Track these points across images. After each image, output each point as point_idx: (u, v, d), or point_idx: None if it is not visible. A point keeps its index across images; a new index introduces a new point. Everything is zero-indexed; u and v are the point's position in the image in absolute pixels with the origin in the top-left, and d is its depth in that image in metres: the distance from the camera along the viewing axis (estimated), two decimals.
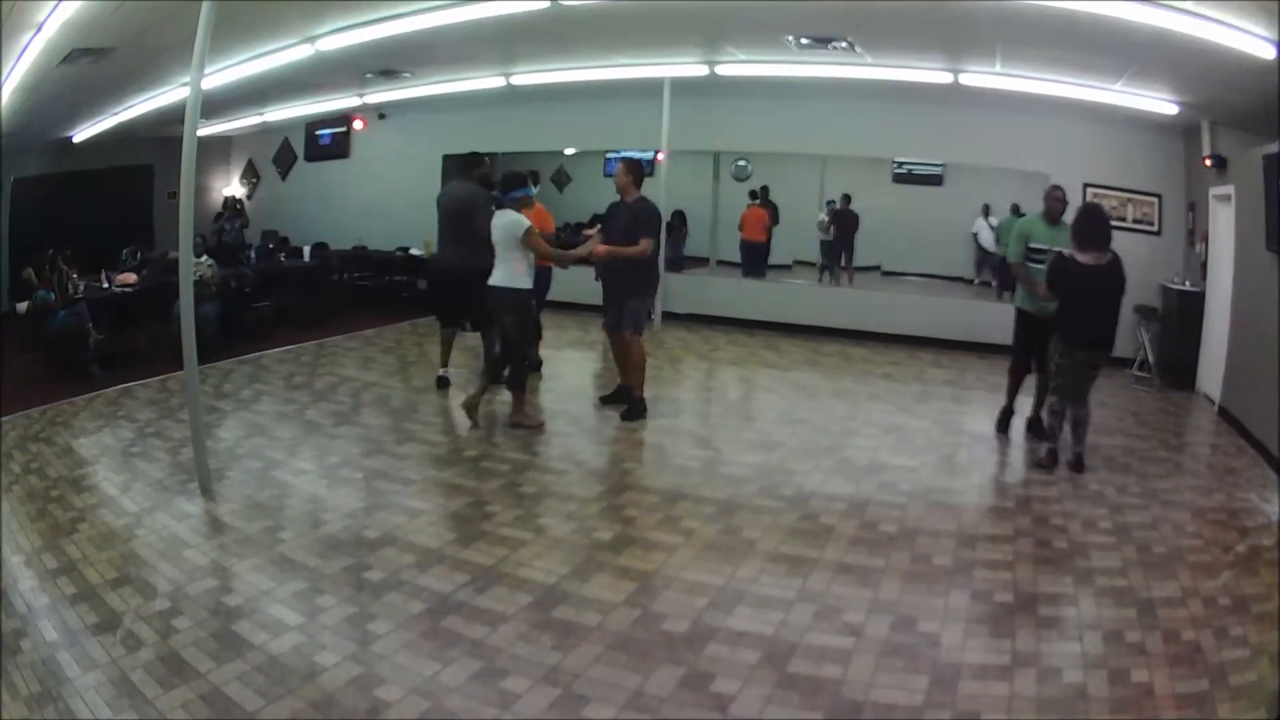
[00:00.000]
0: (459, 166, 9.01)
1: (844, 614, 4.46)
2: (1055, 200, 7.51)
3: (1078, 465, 6.86)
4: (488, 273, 8.11)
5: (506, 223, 7.40)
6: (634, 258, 7.69)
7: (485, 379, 7.83)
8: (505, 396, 7.99)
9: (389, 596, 4.59)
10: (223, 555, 5.11)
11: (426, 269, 9.63)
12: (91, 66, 8.85)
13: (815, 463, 6.96)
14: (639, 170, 8.05)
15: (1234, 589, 4.81)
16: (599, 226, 8.15)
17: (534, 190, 8.85)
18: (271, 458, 6.90)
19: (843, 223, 14.80)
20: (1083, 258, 6.65)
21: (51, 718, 3.51)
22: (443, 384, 9.07)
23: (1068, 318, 6.82)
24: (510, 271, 7.43)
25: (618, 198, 7.84)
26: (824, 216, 14.98)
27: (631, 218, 7.77)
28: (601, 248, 7.70)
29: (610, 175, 9.15)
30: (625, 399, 8.21)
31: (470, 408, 7.68)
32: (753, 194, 15.41)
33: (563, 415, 8.12)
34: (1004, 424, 7.95)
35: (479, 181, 8.86)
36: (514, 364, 7.67)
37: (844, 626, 4.33)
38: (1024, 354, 7.76)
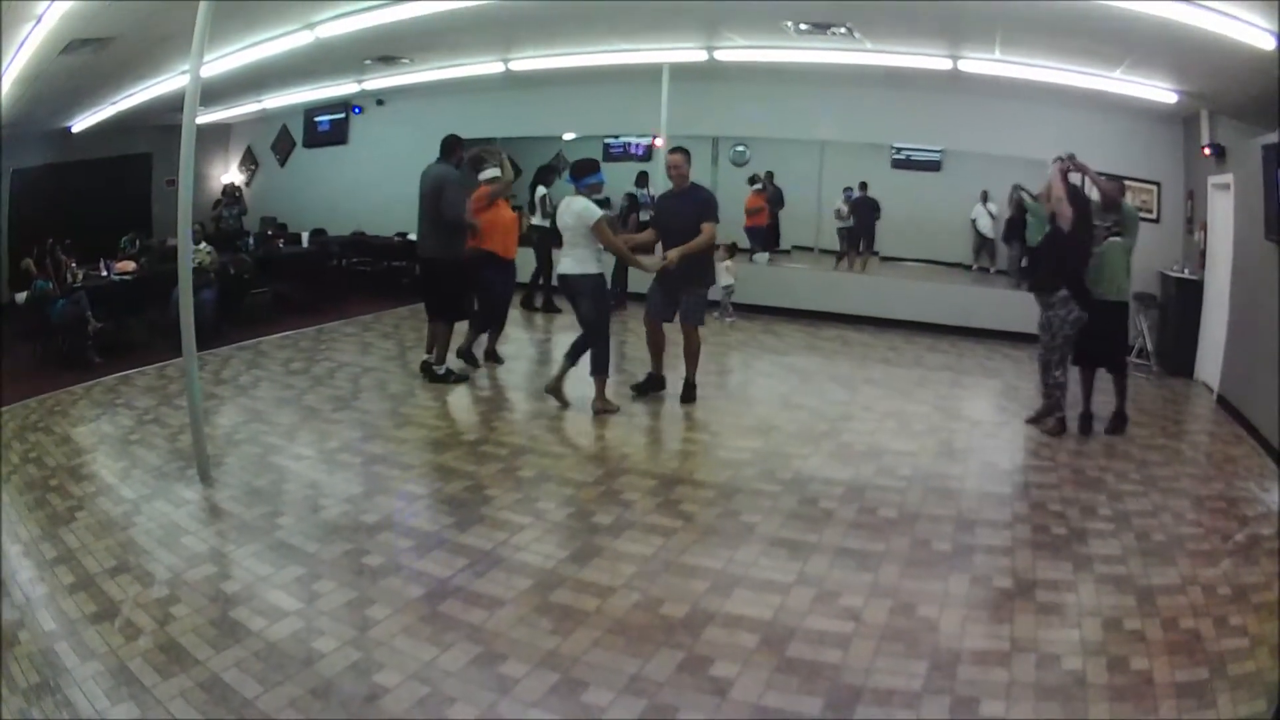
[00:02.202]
0: (441, 151, 8.72)
1: (843, 598, 4.47)
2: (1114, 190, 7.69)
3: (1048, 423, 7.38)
4: (459, 260, 8.38)
5: (578, 210, 7.37)
6: (701, 249, 7.73)
7: (568, 361, 7.77)
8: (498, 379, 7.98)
9: (387, 581, 4.60)
10: (221, 541, 5.11)
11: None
12: (91, 56, 8.83)
13: (814, 447, 6.96)
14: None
15: (1233, 578, 4.81)
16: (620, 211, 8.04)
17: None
18: (270, 443, 6.90)
19: (862, 210, 14.77)
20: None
21: (50, 709, 3.51)
22: (432, 376, 8.79)
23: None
24: (580, 257, 7.44)
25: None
26: (842, 205, 14.97)
27: (693, 206, 7.75)
28: (673, 255, 7.63)
29: (615, 160, 9.08)
30: (657, 387, 8.27)
31: (555, 391, 7.81)
32: (753, 179, 15.35)
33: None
34: (1085, 426, 7.54)
35: (456, 165, 8.65)
36: (596, 348, 7.64)
37: (843, 611, 4.33)
38: (1084, 346, 7.37)
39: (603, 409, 7.68)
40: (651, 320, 8.11)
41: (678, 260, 7.60)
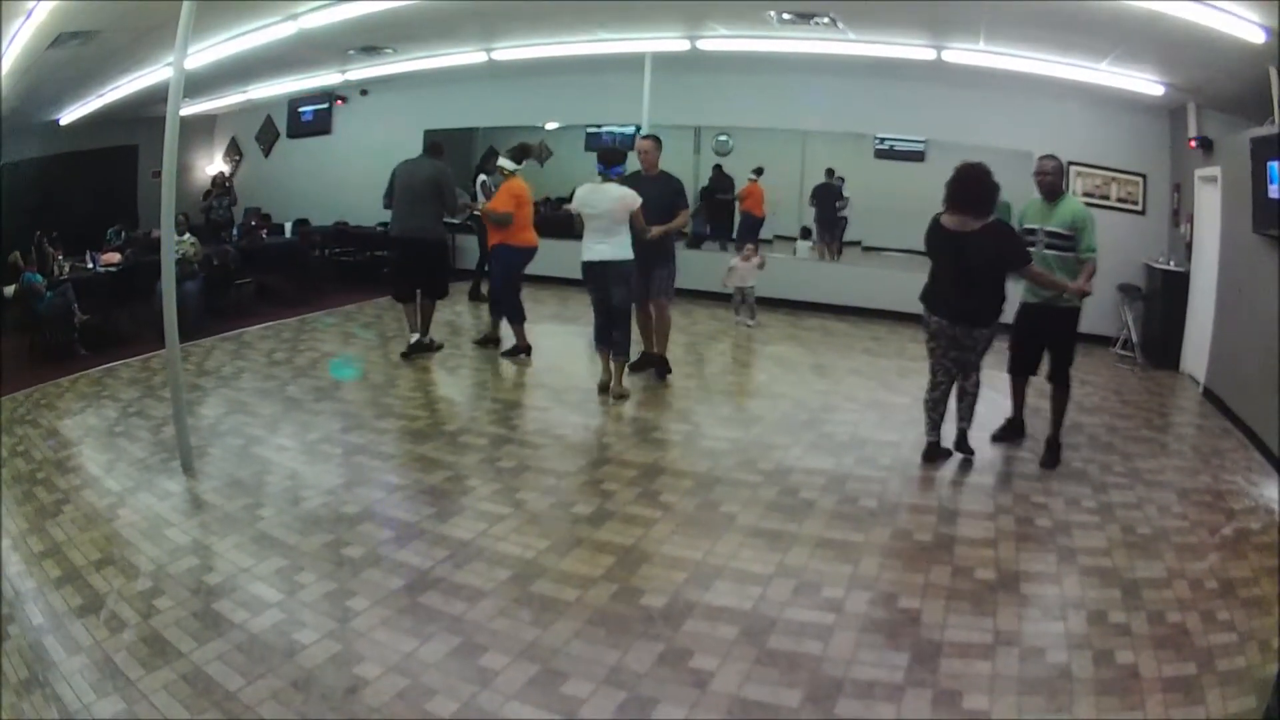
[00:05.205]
0: (428, 148, 9.53)
1: (823, 590, 4.47)
2: (1042, 173, 6.40)
3: (962, 443, 6.48)
4: (442, 240, 9.24)
5: (619, 196, 7.57)
6: (676, 230, 8.24)
7: (621, 353, 7.98)
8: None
9: (368, 573, 4.60)
10: (204, 534, 5.10)
11: (389, 238, 10.06)
12: (78, 49, 8.84)
13: (795, 437, 6.97)
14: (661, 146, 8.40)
15: (1221, 572, 4.81)
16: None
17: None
18: (252, 434, 6.88)
19: (821, 197, 14.76)
20: (948, 220, 5.97)
21: (39, 703, 3.50)
22: (420, 349, 9.36)
23: (929, 283, 6.30)
24: (621, 244, 7.64)
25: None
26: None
27: (664, 191, 8.08)
28: (657, 229, 7.87)
29: (599, 149, 9.33)
30: (653, 362, 8.57)
31: (616, 392, 7.91)
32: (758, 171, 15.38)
33: (540, 389, 8.13)
34: (1006, 434, 7.04)
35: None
36: (621, 331, 7.85)
37: (823, 602, 4.34)
38: (1024, 353, 6.72)
39: (622, 394, 7.88)
40: (637, 301, 8.29)
41: (660, 234, 7.93)
